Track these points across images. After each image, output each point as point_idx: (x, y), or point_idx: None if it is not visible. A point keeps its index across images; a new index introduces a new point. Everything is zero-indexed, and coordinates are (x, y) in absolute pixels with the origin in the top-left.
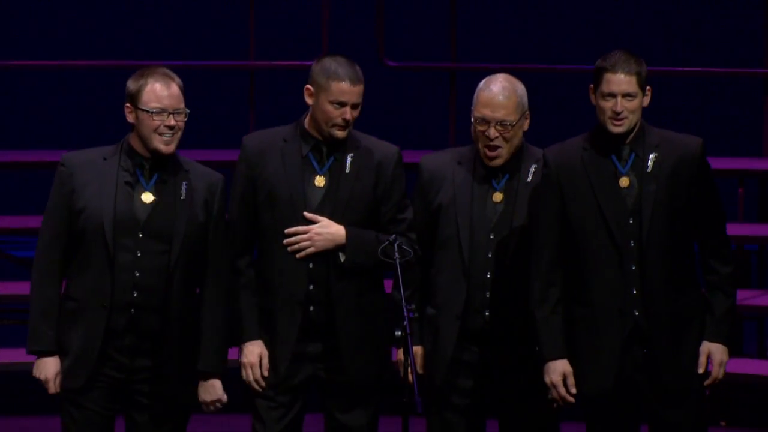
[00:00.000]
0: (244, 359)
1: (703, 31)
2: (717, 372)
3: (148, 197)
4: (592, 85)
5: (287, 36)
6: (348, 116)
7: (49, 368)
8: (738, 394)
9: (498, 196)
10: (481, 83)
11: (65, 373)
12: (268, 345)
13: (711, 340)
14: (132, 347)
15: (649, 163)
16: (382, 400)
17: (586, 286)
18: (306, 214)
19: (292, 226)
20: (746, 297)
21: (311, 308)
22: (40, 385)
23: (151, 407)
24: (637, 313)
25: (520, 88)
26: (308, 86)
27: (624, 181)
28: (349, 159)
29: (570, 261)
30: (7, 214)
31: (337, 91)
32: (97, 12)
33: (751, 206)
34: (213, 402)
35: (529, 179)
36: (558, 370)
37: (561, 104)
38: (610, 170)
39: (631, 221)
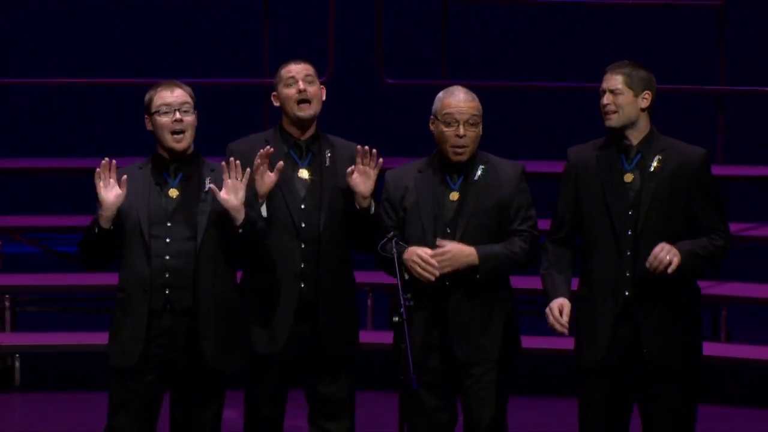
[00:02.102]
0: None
1: (663, 51)
2: (658, 250)
3: (174, 192)
4: None
5: (298, 57)
6: (301, 86)
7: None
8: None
9: (454, 195)
10: (441, 94)
11: (118, 354)
12: (262, 322)
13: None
14: (170, 327)
15: (653, 164)
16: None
17: (588, 267)
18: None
19: (285, 215)
20: (702, 287)
21: (302, 284)
22: (89, 364)
23: (191, 383)
24: (627, 294)
25: (476, 96)
26: (273, 94)
27: (628, 177)
28: (327, 155)
29: (579, 245)
30: (52, 214)
31: (286, 73)
32: (122, 34)
33: None
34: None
35: (476, 178)
36: (557, 302)
37: (539, 119)
38: (618, 167)
39: (630, 213)
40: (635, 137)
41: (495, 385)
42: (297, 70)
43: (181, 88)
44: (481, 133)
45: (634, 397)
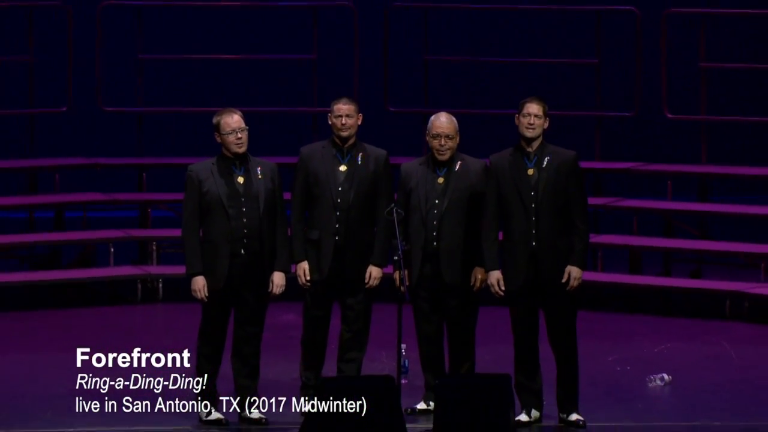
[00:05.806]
0: (298, 271)
1: (563, 90)
2: (572, 282)
3: (241, 179)
4: (517, 114)
5: (332, 88)
6: (344, 121)
7: (200, 282)
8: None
9: (441, 180)
10: (432, 117)
11: (211, 279)
12: (313, 260)
13: (571, 264)
14: (246, 263)
15: (544, 163)
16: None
17: (509, 229)
18: None
19: (328, 194)
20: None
21: (336, 238)
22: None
23: (251, 300)
24: (534, 244)
25: (454, 119)
26: (329, 114)
27: (530, 171)
28: (360, 156)
29: (502, 217)
30: (181, 191)
31: (336, 110)
32: (210, 70)
33: (588, 187)
34: (280, 285)
35: (456, 169)
36: (495, 276)
37: (488, 131)
38: (523, 166)
39: (533, 193)
40: (534, 146)
41: (469, 307)
42: (342, 109)
43: (236, 114)
44: (458, 142)
45: (539, 308)
